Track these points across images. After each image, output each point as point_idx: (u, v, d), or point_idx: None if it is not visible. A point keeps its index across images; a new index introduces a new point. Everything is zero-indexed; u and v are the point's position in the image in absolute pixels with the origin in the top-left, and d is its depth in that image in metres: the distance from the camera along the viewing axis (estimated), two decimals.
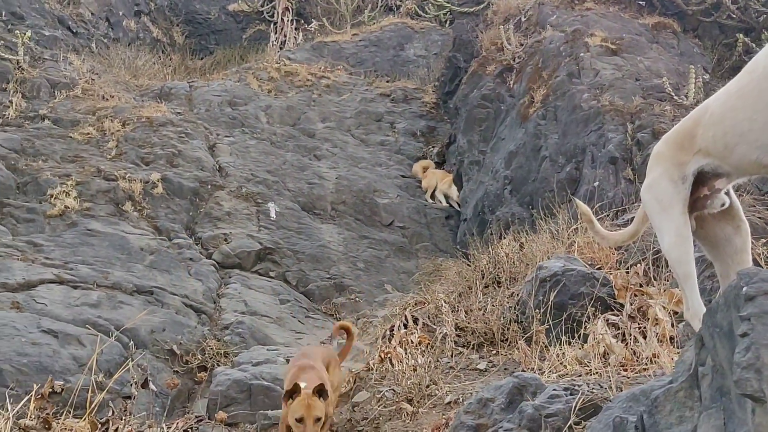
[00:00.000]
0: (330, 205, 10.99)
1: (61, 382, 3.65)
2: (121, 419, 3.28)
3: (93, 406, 4.52)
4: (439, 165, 13.15)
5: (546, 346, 4.61)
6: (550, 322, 4.91)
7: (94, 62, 14.04)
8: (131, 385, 5.57)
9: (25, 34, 12.05)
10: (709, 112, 2.61)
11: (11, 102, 11.10)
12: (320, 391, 4.00)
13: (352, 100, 14.86)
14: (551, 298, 5.01)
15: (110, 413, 3.21)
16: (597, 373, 3.86)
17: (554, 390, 3.16)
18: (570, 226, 6.42)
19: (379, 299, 8.70)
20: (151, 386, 3.51)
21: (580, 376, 3.90)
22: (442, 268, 9.15)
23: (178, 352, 6.53)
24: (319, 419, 3.92)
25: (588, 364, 4.24)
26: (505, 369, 4.76)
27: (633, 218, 6.24)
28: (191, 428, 5.13)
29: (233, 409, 5.28)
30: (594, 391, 3.13)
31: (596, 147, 8.15)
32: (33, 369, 5.44)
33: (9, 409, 4.30)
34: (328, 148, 12.74)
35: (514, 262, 6.36)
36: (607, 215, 6.85)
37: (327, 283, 9.26)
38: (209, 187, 10.26)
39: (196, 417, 5.31)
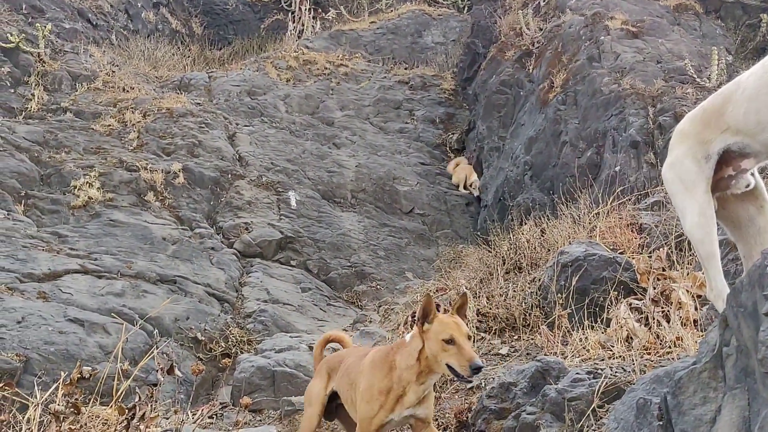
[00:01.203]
0: (350, 193, 11.00)
1: (90, 368, 3.69)
2: (148, 405, 3.33)
3: (119, 393, 4.60)
4: (459, 152, 13.12)
5: (568, 331, 4.60)
6: (573, 307, 4.89)
7: (114, 54, 14.15)
8: (157, 372, 5.64)
9: (45, 27, 12.16)
10: (741, 89, 2.55)
11: (33, 95, 11.23)
12: (461, 308, 3.38)
13: (370, 87, 14.84)
14: (573, 283, 4.98)
15: (137, 400, 3.25)
16: (620, 357, 3.85)
17: (577, 374, 3.16)
18: (591, 211, 6.37)
19: (400, 287, 8.72)
20: (177, 372, 3.55)
21: (603, 360, 3.89)
22: (462, 255, 9.14)
23: (201, 339, 6.59)
24: (469, 337, 3.26)
25: (611, 348, 4.23)
26: (527, 354, 4.75)
27: (656, 202, 6.20)
28: (216, 414, 5.19)
29: (257, 396, 5.33)
30: (617, 374, 3.12)
31: (617, 131, 8.08)
32: (60, 357, 5.53)
33: (38, 396, 4.38)
34: (347, 136, 12.74)
35: (535, 248, 6.34)
36: (629, 199, 6.80)
37: (348, 271, 9.29)
38: (230, 176, 10.32)
39: (221, 404, 5.37)
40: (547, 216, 7.29)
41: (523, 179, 9.47)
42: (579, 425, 2.83)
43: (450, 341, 3.21)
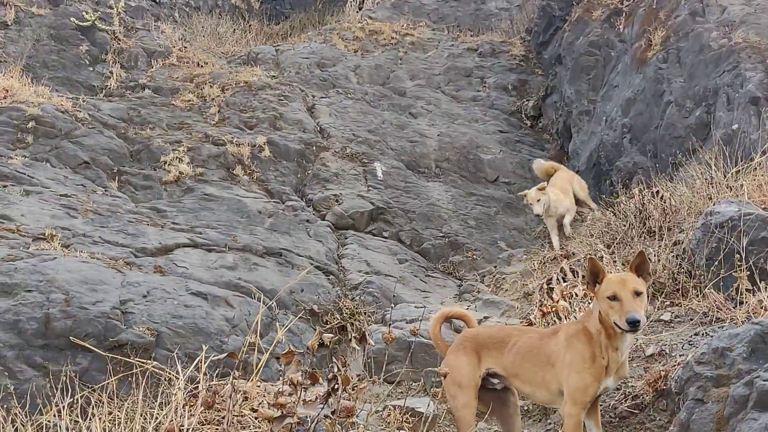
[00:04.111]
0: (434, 162, 10.76)
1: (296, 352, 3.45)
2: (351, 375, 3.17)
3: (259, 367, 4.48)
4: (536, 119, 12.76)
5: (748, 291, 4.32)
6: (738, 269, 4.60)
7: (182, 31, 14.05)
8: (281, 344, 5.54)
9: (118, 4, 12.08)
10: None
11: (111, 72, 11.19)
12: (640, 266, 3.33)
13: (438, 56, 14.51)
14: (735, 244, 4.68)
15: (335, 370, 3.06)
16: None
17: None
18: (727, 171, 6.03)
19: (502, 256, 8.47)
20: (370, 341, 3.37)
21: None
22: None
23: (318, 311, 6.46)
24: (639, 293, 3.22)
25: None
26: (690, 320, 4.48)
27: None
28: (354, 386, 5.03)
29: (394, 367, 5.17)
30: None
31: (732, 88, 7.67)
32: (189, 331, 5.42)
33: (180, 370, 4.27)
34: (422, 105, 12.47)
35: (665, 211, 6.04)
36: (751, 160, 6.38)
37: (441, 241, 9.08)
38: (314, 148, 10.15)
39: (357, 375, 5.22)
40: (670, 177, 6.95)
41: (622, 142, 9.10)
42: None
43: (613, 298, 3.23)
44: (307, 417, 2.92)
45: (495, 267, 8.04)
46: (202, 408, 3.17)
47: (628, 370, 3.42)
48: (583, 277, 5.33)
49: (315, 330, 6.31)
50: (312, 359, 5.92)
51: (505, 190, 10.69)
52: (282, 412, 2.62)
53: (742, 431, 2.82)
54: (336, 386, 2.83)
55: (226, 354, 3.10)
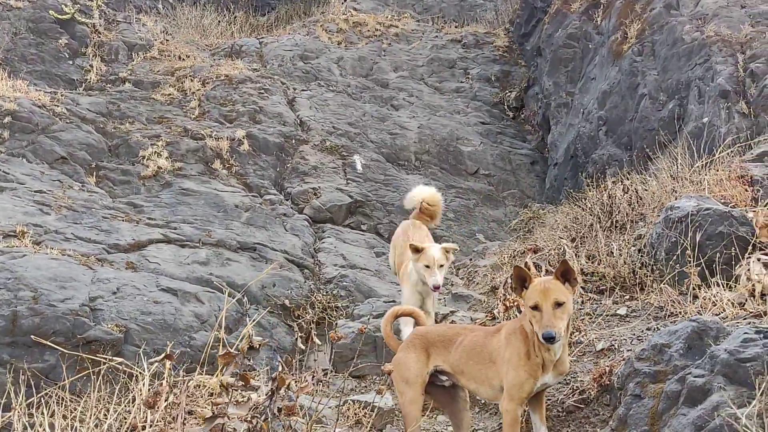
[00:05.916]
0: (414, 155, 10.81)
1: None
2: (293, 375, 3.24)
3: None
4: (518, 110, 12.83)
5: (698, 287, 4.39)
6: (690, 265, 4.66)
7: (165, 23, 14.03)
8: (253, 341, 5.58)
9: None
10: None
11: (92, 66, 11.19)
12: (565, 273, 3.29)
13: (422, 47, 14.53)
14: (687, 240, 4.75)
15: (279, 369, 3.14)
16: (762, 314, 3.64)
17: (746, 333, 2.96)
18: (692, 165, 6.09)
19: (477, 249, 8.53)
20: (315, 339, 3.43)
21: (745, 318, 3.69)
22: (540, 214, 8.90)
23: (290, 306, 6.52)
24: (560, 304, 3.20)
25: (743, 307, 4.02)
26: (647, 314, 4.55)
27: (764, 153, 5.88)
28: (320, 381, 5.11)
29: (359, 362, 5.24)
30: None
31: (703, 81, 7.73)
32: (158, 327, 5.49)
33: (146, 368, 4.33)
34: (404, 97, 12.50)
35: (631, 205, 6.10)
36: (732, 152, 6.40)
37: None
38: (293, 141, 10.19)
39: (323, 370, 5.29)
40: (640, 171, 7.02)
41: (598, 135, 9.16)
42: (761, 388, 2.65)
43: (535, 308, 3.25)
44: (255, 417, 2.98)
45: (470, 260, 8.10)
46: (145, 408, 3.19)
47: (567, 366, 3.47)
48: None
49: (287, 325, 6.38)
50: (283, 355, 6.00)
51: (485, 183, 10.76)
52: (214, 412, 2.69)
53: (673, 426, 2.89)
54: (277, 386, 2.89)
55: (162, 356, 3.11)
